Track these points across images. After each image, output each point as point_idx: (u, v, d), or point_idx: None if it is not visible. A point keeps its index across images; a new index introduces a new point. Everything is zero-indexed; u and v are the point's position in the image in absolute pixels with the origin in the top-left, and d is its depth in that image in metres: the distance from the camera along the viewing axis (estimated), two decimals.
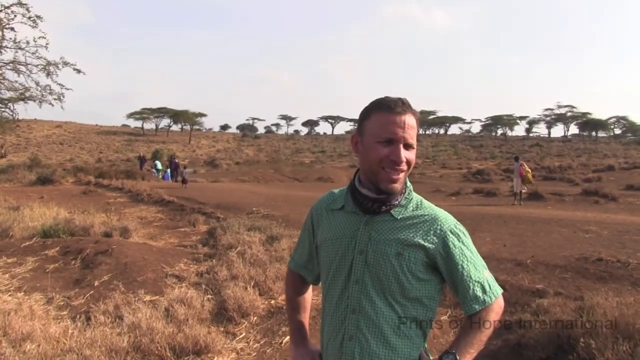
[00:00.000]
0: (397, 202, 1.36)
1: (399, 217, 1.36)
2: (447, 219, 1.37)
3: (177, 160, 24.35)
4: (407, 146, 1.32)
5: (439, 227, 1.35)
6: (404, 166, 1.32)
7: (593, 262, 5.79)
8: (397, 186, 1.33)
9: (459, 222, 1.40)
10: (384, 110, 1.32)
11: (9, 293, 4.69)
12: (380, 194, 1.34)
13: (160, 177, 28.44)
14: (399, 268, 1.32)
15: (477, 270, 1.35)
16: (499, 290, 1.39)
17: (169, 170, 27.47)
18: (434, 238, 1.34)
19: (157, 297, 4.57)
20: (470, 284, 1.33)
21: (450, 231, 1.35)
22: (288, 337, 3.91)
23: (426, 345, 1.41)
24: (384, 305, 1.33)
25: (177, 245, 7.66)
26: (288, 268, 1.69)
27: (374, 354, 1.32)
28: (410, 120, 1.31)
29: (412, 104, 1.35)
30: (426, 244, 1.33)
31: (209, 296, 4.58)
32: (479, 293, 1.34)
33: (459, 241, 1.35)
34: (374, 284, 1.33)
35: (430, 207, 1.40)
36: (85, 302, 4.53)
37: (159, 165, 30.75)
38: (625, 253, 6.19)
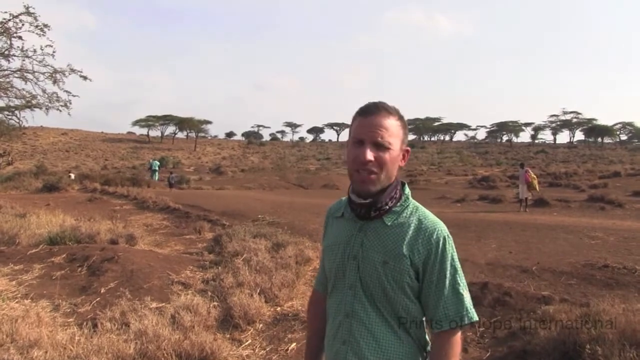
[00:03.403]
0: (387, 207, 1.35)
1: (389, 224, 1.35)
2: (436, 230, 1.33)
3: (173, 175, 26.43)
4: (378, 146, 1.30)
5: (427, 238, 1.32)
6: (372, 166, 1.29)
7: (599, 268, 5.77)
8: (371, 187, 1.32)
9: (449, 235, 1.36)
10: (359, 114, 1.36)
11: (16, 300, 4.72)
12: (363, 198, 1.35)
13: (157, 179, 28.95)
14: (384, 277, 1.31)
15: (457, 289, 1.32)
16: (474, 317, 1.33)
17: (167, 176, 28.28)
18: (421, 248, 1.31)
19: (163, 304, 4.59)
20: (446, 301, 1.31)
21: (437, 243, 1.32)
22: (294, 344, 3.94)
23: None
24: (374, 311, 1.33)
25: (183, 252, 7.67)
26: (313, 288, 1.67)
27: (365, 359, 1.31)
28: (382, 121, 1.31)
29: (396, 107, 1.37)
30: (412, 253, 1.31)
31: (215, 303, 4.59)
32: (452, 312, 1.30)
33: (443, 255, 1.32)
34: (364, 290, 1.34)
35: (423, 216, 1.36)
36: (92, 309, 4.56)
37: (155, 166, 31.36)
38: (632, 260, 6.16)
